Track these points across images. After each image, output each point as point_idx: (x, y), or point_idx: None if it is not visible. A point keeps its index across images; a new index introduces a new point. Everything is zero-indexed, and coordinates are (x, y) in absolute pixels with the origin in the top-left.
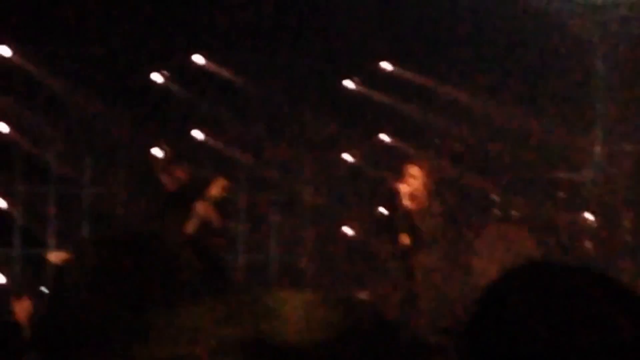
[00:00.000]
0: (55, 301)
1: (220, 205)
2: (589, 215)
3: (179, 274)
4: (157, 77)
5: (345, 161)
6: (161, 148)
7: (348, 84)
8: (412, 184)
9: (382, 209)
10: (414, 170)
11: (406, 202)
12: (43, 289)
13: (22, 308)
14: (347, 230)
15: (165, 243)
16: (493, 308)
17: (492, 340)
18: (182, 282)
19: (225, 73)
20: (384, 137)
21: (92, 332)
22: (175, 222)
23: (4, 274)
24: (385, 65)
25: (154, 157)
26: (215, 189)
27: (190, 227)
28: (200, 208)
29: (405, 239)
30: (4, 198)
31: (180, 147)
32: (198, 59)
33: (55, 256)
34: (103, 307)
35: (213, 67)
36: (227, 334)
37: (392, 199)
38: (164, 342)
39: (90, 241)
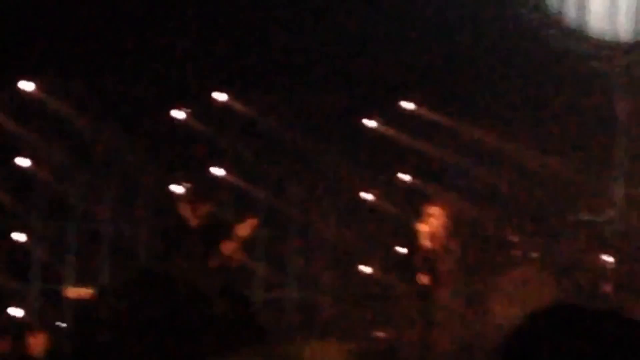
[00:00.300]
0: (80, 338)
1: (247, 245)
2: (608, 258)
3: (212, 323)
4: (178, 114)
5: (364, 200)
6: (182, 184)
7: (369, 122)
8: (431, 223)
9: (401, 248)
10: (433, 210)
11: (425, 242)
12: (60, 324)
13: (37, 343)
14: (366, 269)
15: (200, 290)
16: (520, 350)
17: None
18: (215, 332)
19: (246, 110)
20: (404, 176)
21: None
22: (198, 259)
23: (21, 308)
24: (407, 104)
25: (176, 193)
26: (245, 229)
27: (213, 264)
28: (227, 247)
29: (423, 279)
30: (23, 232)
31: (201, 183)
32: (220, 96)
33: (73, 292)
34: (130, 349)
35: (235, 105)
36: None
37: (411, 239)
38: None
39: (121, 281)
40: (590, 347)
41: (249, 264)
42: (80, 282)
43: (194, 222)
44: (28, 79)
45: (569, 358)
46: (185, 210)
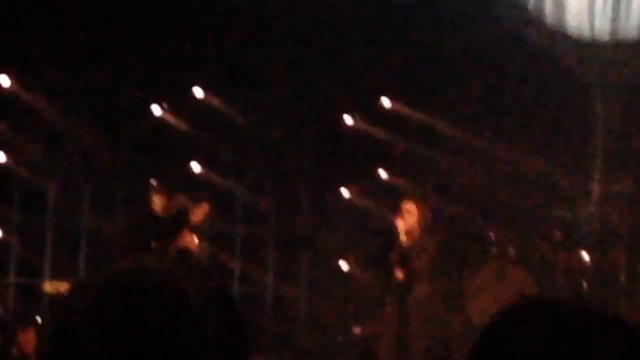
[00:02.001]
0: (57, 339)
1: (224, 241)
2: (584, 254)
3: (201, 331)
4: (156, 109)
5: (342, 196)
6: (153, 178)
7: (347, 119)
8: (408, 220)
9: (378, 244)
10: (410, 207)
11: (402, 238)
12: (38, 318)
13: (27, 339)
14: (343, 264)
15: (189, 294)
16: (493, 346)
17: None
18: (203, 340)
19: (224, 106)
20: (381, 172)
21: None
22: (160, 249)
23: None
24: (384, 102)
25: (150, 186)
26: (198, 215)
27: (171, 253)
28: (184, 236)
29: (399, 274)
30: (1, 228)
31: (177, 178)
32: (197, 91)
33: (51, 286)
34: (108, 351)
35: (213, 100)
36: None
37: (388, 235)
38: None
39: (99, 278)
40: (562, 341)
41: (228, 261)
42: (58, 276)
43: (163, 213)
44: (4, 73)
45: (542, 352)
46: (155, 202)
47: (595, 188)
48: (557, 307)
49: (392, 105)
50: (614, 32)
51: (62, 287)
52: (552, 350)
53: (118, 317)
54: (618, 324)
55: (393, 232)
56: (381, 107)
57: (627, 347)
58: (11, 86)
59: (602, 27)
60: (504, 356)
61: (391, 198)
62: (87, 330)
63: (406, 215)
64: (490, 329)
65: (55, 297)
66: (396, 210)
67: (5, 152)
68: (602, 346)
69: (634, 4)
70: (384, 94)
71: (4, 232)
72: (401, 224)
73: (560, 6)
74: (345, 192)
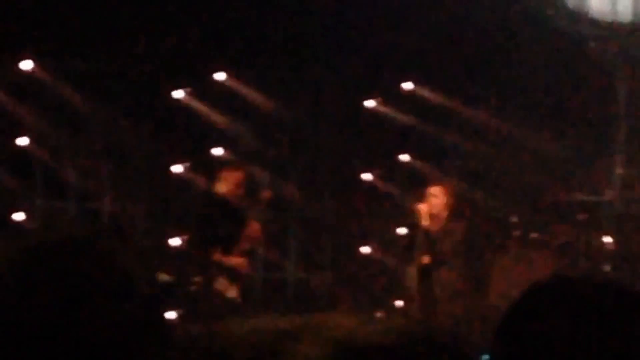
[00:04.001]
0: None
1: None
2: (607, 238)
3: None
4: (179, 94)
5: (364, 180)
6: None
7: (370, 103)
8: (432, 204)
9: (402, 229)
10: (434, 191)
11: (426, 222)
12: None
13: None
14: (366, 249)
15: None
16: (520, 322)
17: (520, 356)
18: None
19: (246, 90)
20: (405, 157)
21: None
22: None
23: None
24: (407, 85)
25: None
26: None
27: (244, 246)
28: (253, 227)
29: (424, 259)
30: (24, 212)
31: (201, 163)
32: (220, 76)
33: None
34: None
35: (235, 84)
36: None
37: (412, 219)
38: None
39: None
40: (589, 317)
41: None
42: None
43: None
44: (27, 58)
45: (569, 328)
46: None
47: (618, 171)
48: (587, 283)
49: (416, 89)
50: (635, 13)
51: None
52: (581, 325)
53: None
54: None
55: (417, 216)
56: (404, 90)
57: None
58: (33, 71)
59: (623, 9)
60: (531, 330)
61: (415, 183)
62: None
63: (431, 200)
64: (519, 304)
65: None
66: (420, 195)
67: (28, 136)
68: (631, 321)
69: None
70: (407, 78)
71: (27, 216)
72: (425, 208)
73: None
74: (368, 176)
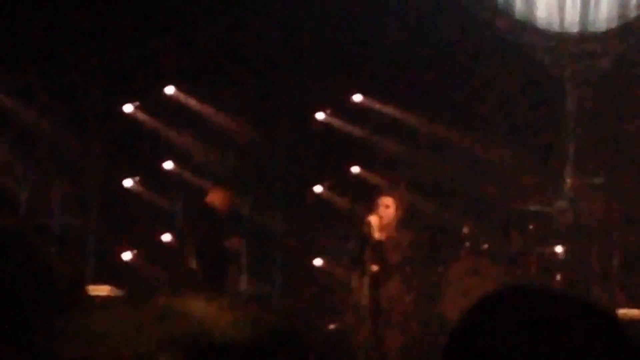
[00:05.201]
0: None
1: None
2: (558, 248)
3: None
4: (128, 108)
5: (315, 192)
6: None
7: (319, 115)
8: (383, 215)
9: (352, 240)
10: (384, 202)
11: (376, 233)
12: None
13: None
14: (317, 261)
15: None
16: (470, 333)
17: None
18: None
19: (196, 104)
20: (355, 168)
21: None
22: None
23: None
24: (357, 97)
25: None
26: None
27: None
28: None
29: (374, 270)
30: None
31: (151, 177)
32: (169, 90)
33: None
34: None
35: (184, 99)
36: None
37: (362, 230)
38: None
39: None
40: (541, 327)
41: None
42: None
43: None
44: None
45: (520, 338)
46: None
47: (568, 181)
48: (535, 294)
49: (364, 100)
50: (583, 24)
51: None
52: (532, 335)
53: None
54: (594, 309)
55: (367, 227)
56: (353, 103)
57: (606, 332)
58: None
59: (571, 19)
60: (483, 342)
61: (364, 194)
62: None
63: (380, 210)
64: (470, 315)
65: None
66: (370, 206)
67: None
68: (582, 332)
69: None
70: (355, 91)
71: None
72: (375, 220)
73: None
74: (318, 189)
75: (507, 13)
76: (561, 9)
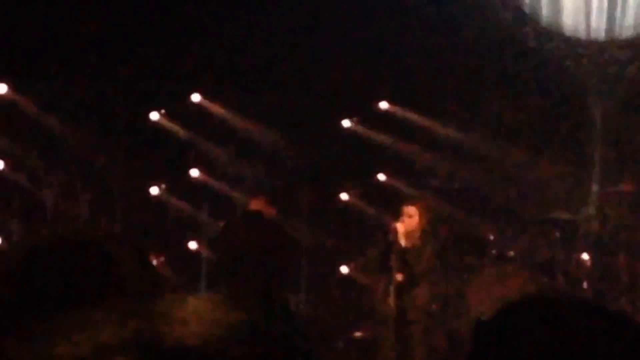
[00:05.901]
0: None
1: None
2: (584, 255)
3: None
4: (155, 116)
5: (342, 200)
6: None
7: (345, 122)
8: (408, 223)
9: (378, 248)
10: (410, 210)
11: (402, 241)
12: None
13: None
14: (343, 268)
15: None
16: (491, 343)
17: None
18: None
19: (224, 112)
20: (381, 176)
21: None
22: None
23: None
24: (383, 105)
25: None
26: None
27: None
28: None
29: (400, 278)
30: (1, 236)
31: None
32: (196, 98)
33: None
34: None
35: (212, 107)
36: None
37: (388, 238)
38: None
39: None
40: (561, 337)
41: None
42: None
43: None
44: (1, 81)
45: (540, 348)
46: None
47: (595, 189)
48: (560, 304)
49: (391, 108)
50: (609, 31)
51: None
52: (552, 345)
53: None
54: (620, 321)
55: (393, 235)
56: (379, 109)
57: (630, 344)
58: (8, 94)
59: (597, 26)
60: (506, 351)
61: (391, 201)
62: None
63: (406, 218)
64: (490, 324)
65: None
66: (396, 214)
67: (4, 160)
68: (605, 343)
69: (630, 3)
70: (382, 98)
71: (3, 240)
72: (401, 227)
73: (556, 6)
74: (344, 196)
75: (533, 21)
76: (588, 15)
